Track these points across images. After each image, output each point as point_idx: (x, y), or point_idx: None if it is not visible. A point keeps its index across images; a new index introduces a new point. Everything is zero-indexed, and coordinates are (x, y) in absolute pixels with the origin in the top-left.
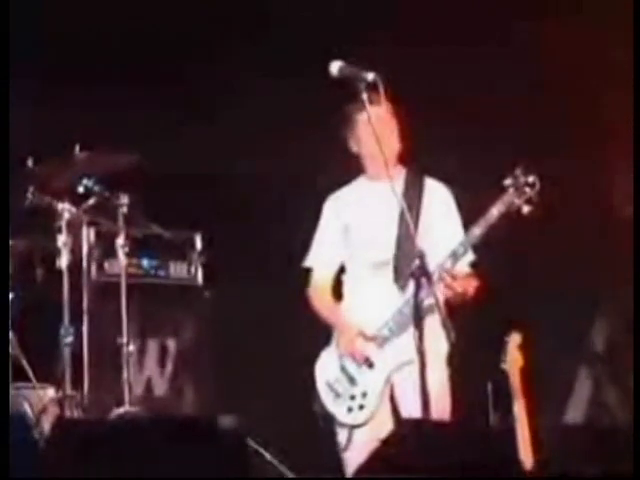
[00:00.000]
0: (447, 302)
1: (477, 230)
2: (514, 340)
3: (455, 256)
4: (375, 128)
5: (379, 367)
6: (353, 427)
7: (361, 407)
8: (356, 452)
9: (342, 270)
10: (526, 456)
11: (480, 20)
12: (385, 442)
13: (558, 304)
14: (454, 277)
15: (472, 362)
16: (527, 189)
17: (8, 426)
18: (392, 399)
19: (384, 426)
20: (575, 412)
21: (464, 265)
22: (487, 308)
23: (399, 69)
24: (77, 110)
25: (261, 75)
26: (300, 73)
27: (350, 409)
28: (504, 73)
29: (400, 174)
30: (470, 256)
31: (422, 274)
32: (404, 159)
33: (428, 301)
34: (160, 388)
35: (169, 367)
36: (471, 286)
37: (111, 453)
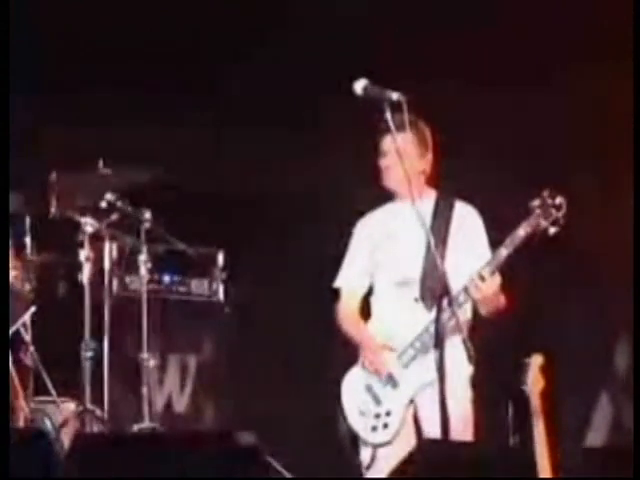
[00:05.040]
0: (474, 316)
1: (504, 251)
2: (535, 362)
3: (481, 277)
4: (401, 149)
5: (404, 386)
6: (377, 446)
7: (385, 426)
8: (380, 470)
9: (370, 290)
10: (545, 478)
11: (509, 49)
12: (405, 461)
13: (580, 326)
14: (483, 278)
15: (493, 383)
16: (554, 211)
17: (8, 426)
18: (416, 419)
19: (408, 445)
20: (595, 435)
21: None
22: (509, 329)
23: (426, 91)
24: (102, 124)
25: (291, 94)
26: (333, 91)
27: (374, 428)
28: (533, 97)
29: (430, 196)
30: (497, 278)
31: (444, 295)
32: (434, 181)
33: (453, 321)
34: (180, 404)
35: (189, 383)
36: (500, 295)
37: (130, 468)
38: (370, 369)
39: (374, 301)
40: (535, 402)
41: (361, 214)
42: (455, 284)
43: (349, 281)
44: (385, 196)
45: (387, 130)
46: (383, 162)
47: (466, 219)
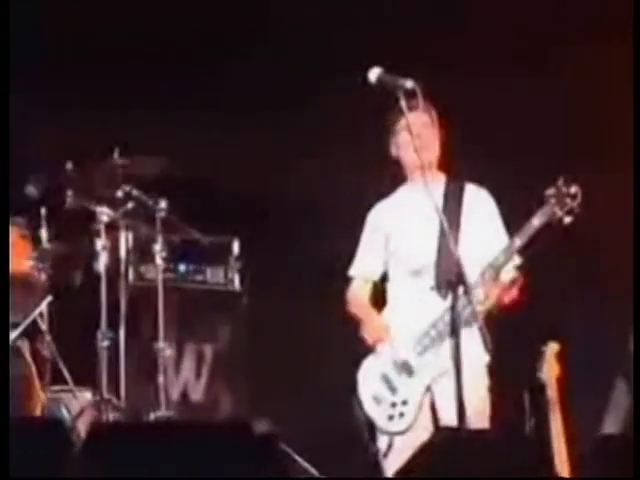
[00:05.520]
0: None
1: (518, 240)
2: (551, 349)
3: (495, 266)
4: (414, 135)
5: (419, 375)
6: (393, 434)
7: (401, 415)
8: (396, 459)
9: (386, 278)
10: (562, 466)
11: (518, 38)
12: (421, 449)
13: (596, 314)
14: (497, 267)
15: (509, 371)
16: (568, 200)
17: (8, 426)
18: (433, 407)
19: (425, 434)
20: (612, 423)
21: (509, 269)
22: (525, 317)
23: (440, 79)
24: (116, 114)
25: (300, 85)
26: (341, 81)
27: (391, 417)
28: (546, 83)
29: (440, 181)
30: (516, 259)
31: (459, 283)
32: (444, 166)
33: (469, 310)
34: (196, 393)
35: (205, 372)
36: (515, 283)
37: (147, 456)
38: (370, 341)
39: (389, 289)
40: (551, 389)
41: (364, 211)
42: (470, 269)
43: (363, 269)
44: (386, 195)
45: (401, 115)
46: (396, 147)
47: (478, 201)
